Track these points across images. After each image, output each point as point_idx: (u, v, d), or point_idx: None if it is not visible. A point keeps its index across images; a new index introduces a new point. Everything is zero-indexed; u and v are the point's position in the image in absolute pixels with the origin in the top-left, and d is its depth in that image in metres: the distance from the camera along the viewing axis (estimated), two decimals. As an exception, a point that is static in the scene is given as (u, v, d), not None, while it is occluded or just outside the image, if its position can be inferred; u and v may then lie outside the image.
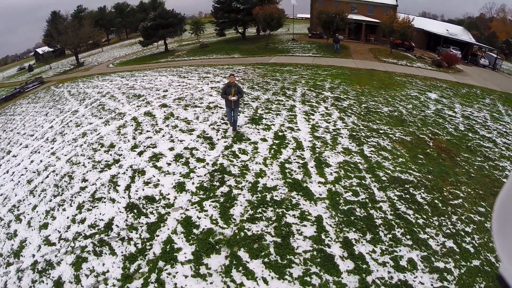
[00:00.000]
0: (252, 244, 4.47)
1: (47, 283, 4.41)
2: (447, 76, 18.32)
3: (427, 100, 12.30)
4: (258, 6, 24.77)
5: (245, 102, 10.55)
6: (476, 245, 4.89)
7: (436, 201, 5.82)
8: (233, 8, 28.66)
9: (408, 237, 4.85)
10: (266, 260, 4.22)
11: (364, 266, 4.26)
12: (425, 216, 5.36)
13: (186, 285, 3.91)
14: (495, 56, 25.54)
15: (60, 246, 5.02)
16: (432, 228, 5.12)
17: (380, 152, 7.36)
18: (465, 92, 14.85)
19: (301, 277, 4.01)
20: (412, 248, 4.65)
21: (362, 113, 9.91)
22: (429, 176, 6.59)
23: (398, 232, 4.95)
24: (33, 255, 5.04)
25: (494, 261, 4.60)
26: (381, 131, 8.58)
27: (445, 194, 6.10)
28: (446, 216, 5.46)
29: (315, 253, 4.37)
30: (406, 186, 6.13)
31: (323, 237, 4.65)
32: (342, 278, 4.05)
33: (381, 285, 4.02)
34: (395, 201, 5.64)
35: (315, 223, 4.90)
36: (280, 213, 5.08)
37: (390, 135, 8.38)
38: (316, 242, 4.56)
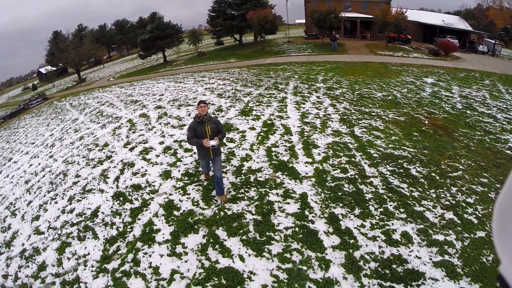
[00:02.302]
0: (231, 222, 4.33)
1: (31, 268, 4.47)
2: (445, 63, 17.99)
3: (423, 84, 12.01)
4: (251, 11, 25.10)
5: (237, 98, 10.50)
6: (480, 215, 4.53)
7: (433, 174, 5.51)
8: (228, 15, 29.15)
9: (401, 210, 4.56)
10: (244, 237, 4.06)
11: (352, 241, 4.01)
12: (420, 189, 5.06)
13: (160, 264, 3.82)
14: (494, 42, 25.04)
15: (48, 234, 5.06)
16: (429, 200, 4.81)
17: (372, 132, 7.15)
18: (463, 75, 14.48)
19: (280, 254, 3.80)
20: (407, 221, 4.36)
21: (354, 99, 9.72)
22: (425, 151, 6.32)
23: (391, 205, 4.67)
24: (23, 244, 5.11)
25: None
26: (373, 114, 8.37)
27: (443, 167, 5.79)
28: (444, 188, 5.13)
29: (297, 229, 4.16)
30: (399, 161, 5.88)
31: (306, 213, 4.44)
32: (326, 254, 3.80)
33: (371, 261, 3.74)
34: (387, 176, 5.39)
35: (299, 200, 4.72)
36: (263, 192, 4.92)
37: (383, 117, 8.16)
38: (299, 218, 4.36)
